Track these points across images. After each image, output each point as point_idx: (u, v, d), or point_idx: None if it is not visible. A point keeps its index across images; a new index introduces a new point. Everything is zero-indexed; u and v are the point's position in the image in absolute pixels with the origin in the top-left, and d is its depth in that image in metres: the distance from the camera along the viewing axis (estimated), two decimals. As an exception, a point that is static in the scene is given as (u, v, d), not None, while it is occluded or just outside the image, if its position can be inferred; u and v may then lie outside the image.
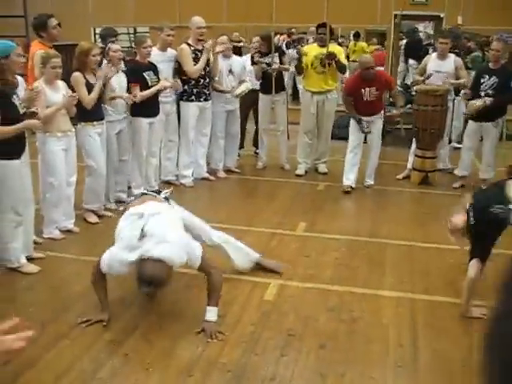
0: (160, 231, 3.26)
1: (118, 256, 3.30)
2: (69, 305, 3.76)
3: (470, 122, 6.54)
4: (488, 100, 6.09)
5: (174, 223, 3.49)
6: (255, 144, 7.92)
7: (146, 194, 3.97)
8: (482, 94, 6.23)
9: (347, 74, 8.31)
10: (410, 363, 3.15)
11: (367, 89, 6.26)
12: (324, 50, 6.64)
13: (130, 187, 6.01)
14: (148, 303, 3.77)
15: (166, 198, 3.91)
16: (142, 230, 3.23)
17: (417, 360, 3.18)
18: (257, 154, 7.75)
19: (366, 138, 6.65)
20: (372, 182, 6.68)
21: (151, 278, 3.10)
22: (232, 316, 3.61)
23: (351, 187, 6.45)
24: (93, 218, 5.34)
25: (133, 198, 4.14)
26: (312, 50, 6.88)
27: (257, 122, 7.68)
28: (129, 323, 3.52)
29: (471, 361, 3.09)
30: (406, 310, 3.74)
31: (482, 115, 6.24)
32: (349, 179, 6.47)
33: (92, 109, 5.07)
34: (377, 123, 6.57)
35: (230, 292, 3.91)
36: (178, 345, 3.28)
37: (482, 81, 6.26)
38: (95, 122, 5.16)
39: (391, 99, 6.63)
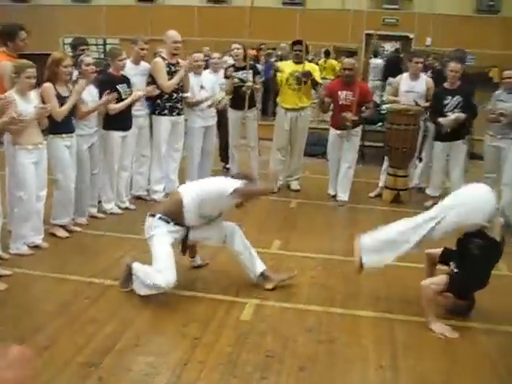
0: None
1: None
2: (39, 325, 3.58)
3: (437, 142, 6.64)
4: (462, 115, 6.20)
5: None
6: (223, 159, 7.88)
7: None
8: (450, 114, 6.33)
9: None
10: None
11: (344, 92, 6.47)
12: (299, 67, 6.67)
13: (100, 201, 5.87)
14: (122, 323, 3.64)
15: None
16: None
17: (398, 381, 3.14)
18: (226, 169, 7.70)
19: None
20: (346, 199, 6.70)
21: None
22: (208, 337, 3.51)
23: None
24: (62, 233, 5.18)
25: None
26: (287, 67, 6.90)
27: (222, 137, 7.63)
28: (104, 344, 3.39)
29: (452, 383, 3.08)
30: (384, 329, 3.71)
31: (449, 134, 6.35)
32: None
33: (62, 121, 4.92)
34: (353, 139, 6.67)
35: (206, 312, 3.83)
36: (156, 369, 3.17)
37: (445, 102, 6.36)
38: (64, 135, 4.99)
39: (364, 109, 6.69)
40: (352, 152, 6.74)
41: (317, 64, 9.27)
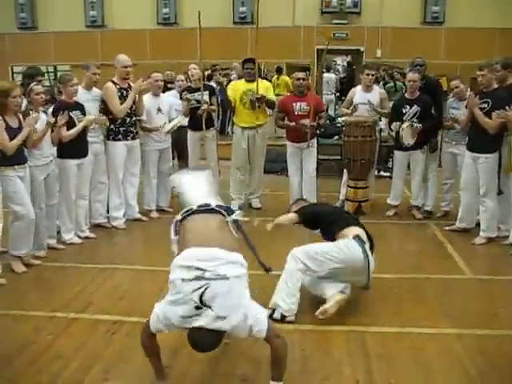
0: (222, 305, 2.72)
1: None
2: (-2, 367, 3.43)
3: (397, 151, 6.74)
4: (419, 125, 6.30)
5: (241, 289, 2.89)
6: None
7: (207, 210, 3.32)
8: (406, 122, 6.43)
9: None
10: (368, 400, 3.09)
11: (298, 103, 6.61)
12: (251, 86, 6.68)
13: (59, 232, 5.72)
14: (89, 357, 3.51)
15: (236, 222, 3.35)
16: (201, 299, 2.71)
17: (374, 396, 3.12)
18: None
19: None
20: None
21: (203, 347, 2.82)
22: (180, 365, 3.41)
23: None
24: (19, 268, 4.99)
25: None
26: (239, 86, 6.90)
27: (180, 159, 7.56)
28: (71, 381, 3.24)
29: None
30: (356, 343, 3.69)
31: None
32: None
33: (13, 153, 4.78)
34: (312, 150, 6.77)
35: (175, 339, 3.71)
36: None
37: (403, 111, 6.47)
38: (16, 166, 4.83)
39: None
40: (312, 162, 6.84)
41: (270, 81, 9.33)
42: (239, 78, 7.27)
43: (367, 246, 4.04)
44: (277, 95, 11.95)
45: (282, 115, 6.81)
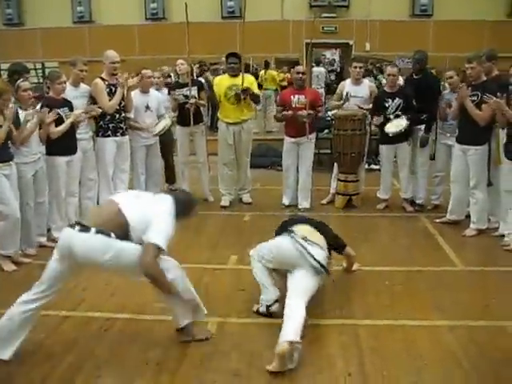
0: None
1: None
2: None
3: (384, 146, 6.75)
4: (404, 121, 6.33)
5: None
6: (167, 180, 7.77)
7: None
8: (392, 116, 6.46)
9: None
10: (361, 392, 3.10)
11: (296, 96, 6.62)
12: (235, 80, 6.66)
13: (49, 229, 5.68)
14: (81, 355, 3.49)
15: None
16: None
17: (367, 388, 3.13)
18: (171, 190, 7.57)
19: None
20: (308, 206, 6.71)
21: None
22: (172, 361, 3.41)
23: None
24: (9, 266, 4.95)
25: None
26: (223, 81, 6.87)
27: (165, 157, 7.51)
28: (63, 379, 3.23)
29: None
30: (349, 336, 3.69)
31: (395, 136, 6.47)
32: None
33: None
34: (310, 146, 6.79)
35: (167, 335, 3.72)
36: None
37: (386, 105, 6.52)
38: (1, 164, 4.79)
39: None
40: (309, 159, 6.84)
41: (257, 76, 9.29)
42: (223, 72, 7.23)
43: (308, 242, 3.91)
44: (265, 89, 11.99)
45: (281, 108, 6.81)
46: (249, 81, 6.82)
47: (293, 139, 6.75)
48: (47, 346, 3.61)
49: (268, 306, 3.97)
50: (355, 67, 6.91)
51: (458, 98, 5.77)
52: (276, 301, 3.96)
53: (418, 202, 6.78)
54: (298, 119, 6.50)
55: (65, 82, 5.58)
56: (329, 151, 8.40)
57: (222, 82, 6.87)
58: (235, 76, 6.69)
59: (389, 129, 6.41)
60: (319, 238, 4.04)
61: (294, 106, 6.61)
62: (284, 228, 4.20)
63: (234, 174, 7.20)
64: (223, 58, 8.77)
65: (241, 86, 6.58)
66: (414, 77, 6.63)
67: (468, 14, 13.49)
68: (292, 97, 6.65)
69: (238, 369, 3.32)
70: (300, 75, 6.67)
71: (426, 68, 6.70)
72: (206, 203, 7.19)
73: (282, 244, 4.02)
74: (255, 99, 6.92)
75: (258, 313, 4.01)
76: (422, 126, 6.50)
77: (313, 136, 6.77)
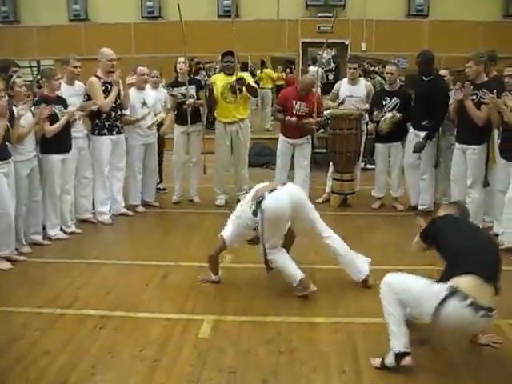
0: None
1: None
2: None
3: (379, 144, 6.78)
4: (398, 114, 6.34)
5: None
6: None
7: None
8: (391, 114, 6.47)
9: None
10: (356, 390, 3.11)
11: (298, 102, 6.54)
12: (231, 79, 6.63)
13: (44, 228, 5.67)
14: (76, 353, 3.49)
15: None
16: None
17: (362, 385, 3.14)
18: (159, 189, 7.57)
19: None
20: None
21: None
22: (167, 359, 3.41)
23: None
24: (5, 265, 4.93)
25: None
26: (219, 80, 6.83)
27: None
28: (58, 377, 3.22)
29: (416, 381, 3.10)
30: (344, 334, 3.71)
31: (388, 136, 6.50)
32: None
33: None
34: (307, 146, 6.79)
35: (163, 333, 3.73)
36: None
37: (383, 103, 6.54)
38: (0, 162, 4.81)
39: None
40: (307, 159, 6.84)
41: (253, 75, 9.28)
42: (220, 71, 7.19)
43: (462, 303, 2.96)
44: (261, 88, 11.98)
45: (280, 108, 6.73)
46: (244, 76, 6.79)
47: (289, 140, 6.75)
48: (42, 343, 3.60)
49: (398, 355, 3.18)
50: (350, 68, 6.94)
51: (456, 97, 5.76)
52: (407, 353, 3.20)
53: (420, 208, 6.59)
54: (306, 127, 6.49)
55: (60, 79, 5.57)
56: (324, 150, 8.41)
57: (218, 81, 6.85)
58: (231, 75, 6.67)
59: (381, 126, 6.44)
60: (488, 294, 3.05)
61: (295, 112, 6.55)
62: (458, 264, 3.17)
63: (229, 174, 7.20)
64: (218, 57, 8.78)
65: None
66: (424, 79, 6.30)
67: (463, 15, 13.53)
68: (294, 102, 6.55)
69: (234, 366, 3.32)
70: (303, 92, 6.53)
71: (436, 70, 6.50)
72: (202, 202, 7.19)
73: (443, 307, 2.99)
74: (252, 91, 6.78)
75: (381, 367, 3.27)
76: (423, 133, 6.24)
77: (309, 137, 6.78)
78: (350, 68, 6.95)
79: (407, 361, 3.15)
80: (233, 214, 4.54)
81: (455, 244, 3.28)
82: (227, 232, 4.48)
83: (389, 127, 6.43)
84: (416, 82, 6.64)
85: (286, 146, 6.82)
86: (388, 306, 3.23)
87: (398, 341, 3.17)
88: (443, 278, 3.13)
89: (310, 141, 6.94)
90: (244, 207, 4.37)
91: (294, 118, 6.53)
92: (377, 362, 3.28)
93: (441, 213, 3.73)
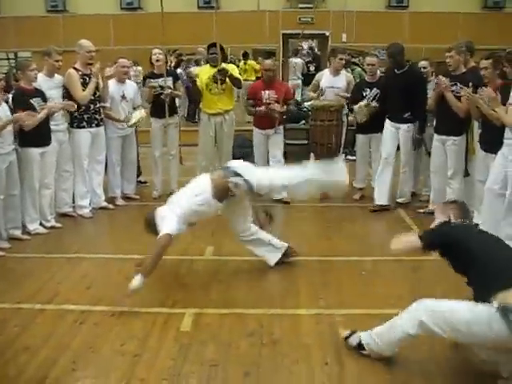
0: None
1: None
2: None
3: (359, 135, 6.83)
4: (373, 103, 6.36)
5: None
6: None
7: None
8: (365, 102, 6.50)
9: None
10: (337, 381, 3.12)
11: (267, 91, 6.63)
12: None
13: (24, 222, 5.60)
14: (56, 349, 3.45)
15: None
16: None
17: (343, 377, 3.15)
18: (139, 182, 7.52)
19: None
20: (286, 195, 6.72)
21: None
22: (148, 353, 3.39)
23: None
24: (-17, 260, 4.88)
25: None
26: (205, 72, 6.80)
27: None
28: (38, 373, 3.18)
29: (398, 371, 3.12)
30: (325, 326, 3.71)
31: (369, 126, 6.53)
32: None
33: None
34: (279, 136, 6.83)
35: (144, 327, 3.71)
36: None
37: (363, 94, 6.57)
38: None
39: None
40: (279, 149, 6.86)
41: (238, 67, 9.23)
42: (206, 62, 7.15)
43: None
44: (245, 80, 11.93)
45: (251, 102, 6.82)
46: (230, 67, 6.76)
47: (262, 131, 6.83)
48: (22, 339, 3.56)
49: (361, 346, 3.28)
50: (340, 58, 6.97)
51: (436, 89, 5.79)
52: None
53: (398, 200, 6.63)
54: (271, 113, 6.53)
55: (35, 70, 5.47)
56: (305, 142, 8.41)
57: (203, 73, 6.81)
58: (216, 66, 6.63)
59: (356, 114, 6.48)
60: None
61: (264, 101, 6.64)
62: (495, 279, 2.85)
63: (212, 166, 7.16)
64: (199, 48, 8.73)
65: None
66: (397, 72, 6.26)
67: (443, 6, 13.58)
68: (262, 92, 6.66)
69: (216, 359, 3.32)
70: (268, 72, 6.70)
71: (409, 61, 6.53)
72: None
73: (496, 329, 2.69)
74: (236, 83, 6.72)
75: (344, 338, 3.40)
76: (406, 126, 6.23)
77: (280, 128, 6.82)
78: (340, 59, 6.96)
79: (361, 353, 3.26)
80: (175, 203, 4.36)
81: (484, 258, 2.95)
82: (170, 226, 4.16)
83: (365, 116, 6.45)
84: (388, 76, 6.58)
85: (260, 137, 6.89)
86: (410, 323, 2.97)
87: (376, 344, 3.19)
88: (483, 296, 2.81)
89: (282, 132, 6.98)
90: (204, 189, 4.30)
91: (262, 107, 6.62)
92: (346, 333, 3.39)
93: (439, 213, 3.49)
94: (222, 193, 4.29)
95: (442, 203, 3.88)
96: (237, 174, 4.27)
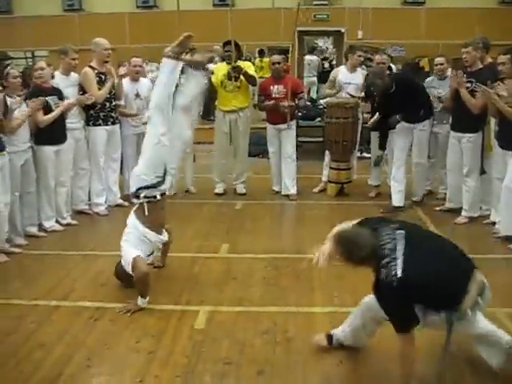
0: None
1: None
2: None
3: (374, 132, 6.76)
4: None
5: None
6: None
7: None
8: None
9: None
10: (351, 380, 3.10)
11: (276, 86, 6.66)
12: None
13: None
14: (72, 345, 3.47)
15: None
16: None
17: (357, 376, 3.14)
18: None
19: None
20: (295, 192, 6.71)
21: None
22: (163, 350, 3.40)
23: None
24: (0, 257, 4.90)
25: None
26: (220, 69, 6.81)
27: None
28: (54, 369, 3.20)
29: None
30: (340, 324, 3.68)
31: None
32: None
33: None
34: (290, 132, 6.79)
35: (158, 324, 3.72)
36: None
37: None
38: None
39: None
40: (291, 144, 6.83)
41: (253, 64, 9.21)
42: (222, 60, 7.16)
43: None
44: (261, 78, 11.91)
45: (262, 98, 6.83)
46: (246, 65, 6.78)
47: (274, 126, 6.83)
48: (38, 335, 3.59)
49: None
50: (359, 56, 7.02)
51: (452, 85, 5.73)
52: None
53: (413, 198, 6.59)
54: (280, 110, 6.51)
55: (42, 69, 5.46)
56: (321, 139, 8.39)
57: (218, 70, 6.82)
58: (231, 64, 6.63)
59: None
60: None
61: (273, 96, 6.65)
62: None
63: (228, 163, 7.18)
64: (215, 46, 8.71)
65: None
66: (389, 92, 5.97)
67: (460, 2, 13.42)
68: (271, 87, 6.68)
69: (229, 357, 3.31)
70: (276, 65, 6.69)
71: (398, 79, 6.19)
72: (198, 192, 7.18)
73: None
74: (251, 80, 6.76)
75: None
76: (421, 124, 6.16)
77: (292, 123, 6.78)
78: (359, 56, 7.01)
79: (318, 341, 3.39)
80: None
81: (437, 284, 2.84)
82: (130, 253, 4.03)
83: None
84: (383, 95, 6.10)
85: (273, 132, 6.90)
86: None
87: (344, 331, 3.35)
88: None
89: (295, 127, 6.96)
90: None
91: (271, 102, 6.64)
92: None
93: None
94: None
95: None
96: None
